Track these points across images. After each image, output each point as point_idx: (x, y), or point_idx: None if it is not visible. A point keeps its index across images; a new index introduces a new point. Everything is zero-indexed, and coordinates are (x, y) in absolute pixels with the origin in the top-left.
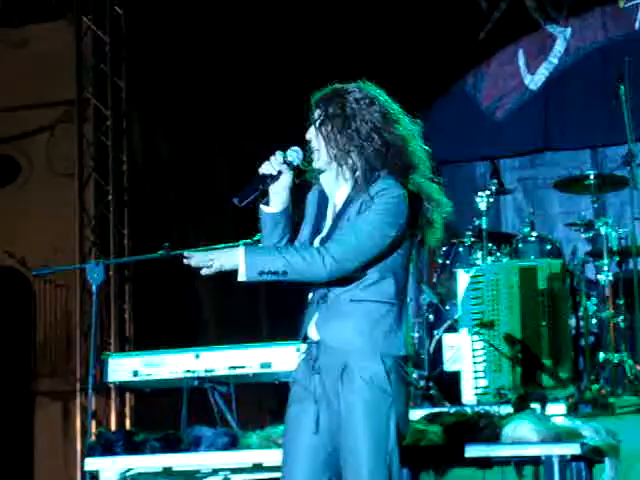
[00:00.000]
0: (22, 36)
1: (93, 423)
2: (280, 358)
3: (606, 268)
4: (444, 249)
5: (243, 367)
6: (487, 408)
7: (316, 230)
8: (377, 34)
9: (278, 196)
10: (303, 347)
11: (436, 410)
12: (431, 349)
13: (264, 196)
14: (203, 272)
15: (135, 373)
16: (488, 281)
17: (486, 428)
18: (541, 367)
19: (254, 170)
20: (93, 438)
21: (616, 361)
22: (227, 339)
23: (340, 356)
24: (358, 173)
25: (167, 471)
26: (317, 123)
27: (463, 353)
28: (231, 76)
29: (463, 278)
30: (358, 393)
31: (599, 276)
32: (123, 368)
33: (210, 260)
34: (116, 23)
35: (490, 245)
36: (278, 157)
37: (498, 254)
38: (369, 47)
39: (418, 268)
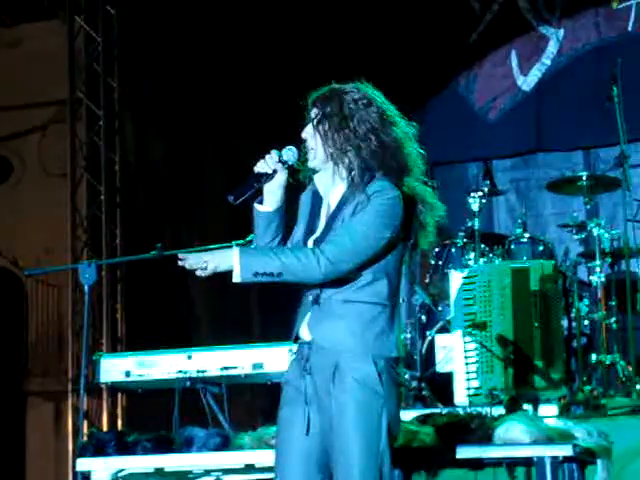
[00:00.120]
0: (15, 36)
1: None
2: (272, 359)
3: (598, 269)
4: (437, 250)
5: (235, 368)
6: (479, 409)
7: (309, 230)
8: (370, 35)
9: (272, 195)
10: (295, 348)
11: (428, 411)
12: (423, 350)
13: (258, 195)
14: (198, 273)
15: (127, 373)
16: (480, 282)
17: (478, 429)
18: (533, 368)
19: (246, 170)
20: (85, 438)
21: (608, 362)
22: (219, 338)
23: (331, 356)
24: (354, 172)
25: (159, 472)
26: (314, 122)
27: (455, 354)
28: (224, 77)
29: (456, 279)
30: (350, 393)
31: (591, 277)
32: (115, 368)
33: (205, 262)
34: (108, 23)
35: (483, 246)
36: (274, 156)
37: (490, 255)
38: (361, 49)
39: (411, 269)
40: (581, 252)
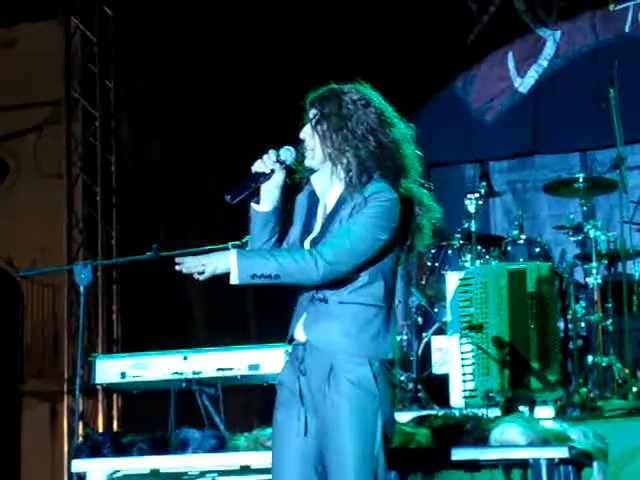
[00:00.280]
0: (10, 36)
1: (80, 424)
2: (268, 360)
3: (595, 271)
4: (433, 251)
5: (231, 369)
6: (475, 411)
7: (306, 231)
8: (368, 36)
9: (269, 195)
10: (290, 349)
11: (424, 413)
12: (420, 351)
13: (256, 194)
14: (196, 277)
15: (123, 375)
16: (477, 284)
17: (474, 431)
18: (529, 370)
19: (242, 171)
20: (80, 439)
21: (604, 364)
22: (215, 339)
23: (326, 357)
24: (352, 173)
25: (154, 473)
26: (313, 122)
27: (451, 356)
28: (220, 77)
29: (452, 281)
30: (345, 395)
31: (588, 279)
32: (111, 369)
33: (202, 265)
34: (105, 23)
35: (479, 248)
36: (271, 155)
37: (487, 257)
38: (359, 49)
39: (407, 270)
40: (578, 254)
